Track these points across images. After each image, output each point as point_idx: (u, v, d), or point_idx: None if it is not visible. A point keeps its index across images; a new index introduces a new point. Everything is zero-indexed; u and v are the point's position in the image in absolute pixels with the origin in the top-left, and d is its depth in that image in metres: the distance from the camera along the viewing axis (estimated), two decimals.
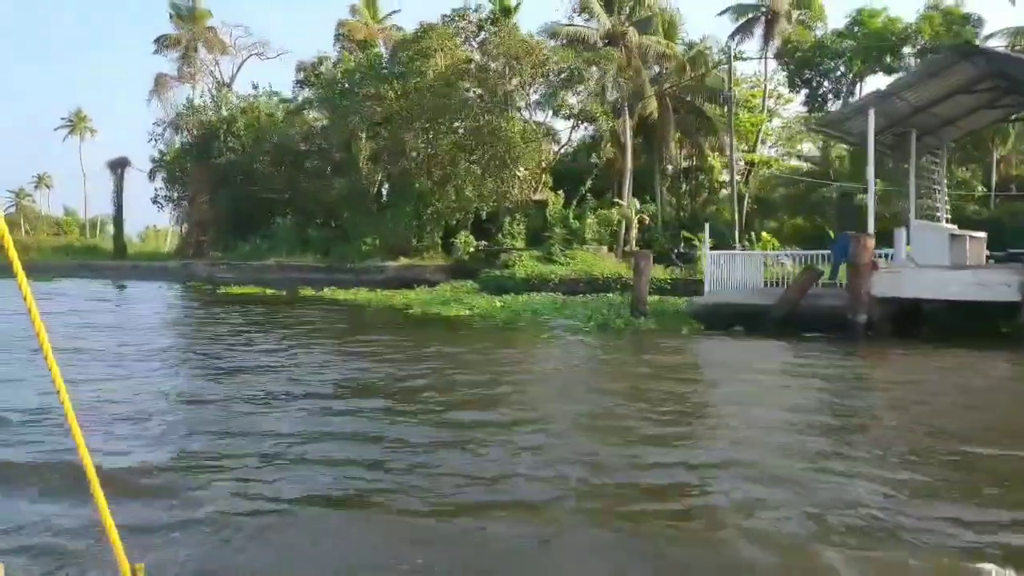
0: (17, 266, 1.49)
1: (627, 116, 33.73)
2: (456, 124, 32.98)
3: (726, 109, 36.46)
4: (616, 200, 32.90)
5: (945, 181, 17.70)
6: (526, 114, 33.98)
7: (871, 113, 13.07)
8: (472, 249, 31.12)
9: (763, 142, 41.21)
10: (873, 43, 34.50)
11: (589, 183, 33.12)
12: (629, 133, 34.02)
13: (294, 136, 38.22)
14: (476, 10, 33.41)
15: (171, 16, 48.95)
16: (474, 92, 32.71)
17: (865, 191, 31.35)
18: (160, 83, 47.24)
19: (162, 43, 48.61)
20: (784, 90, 41.13)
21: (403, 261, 31.38)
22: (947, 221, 17.06)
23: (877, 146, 14.18)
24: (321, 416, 7.12)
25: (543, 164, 33.63)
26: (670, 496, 4.87)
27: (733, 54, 31.77)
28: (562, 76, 31.41)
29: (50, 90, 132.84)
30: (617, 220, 32.01)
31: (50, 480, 5.05)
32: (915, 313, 13.69)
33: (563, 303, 19.13)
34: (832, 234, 21.55)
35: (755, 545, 3.96)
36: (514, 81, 31.92)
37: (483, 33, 33.09)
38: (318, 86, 37.49)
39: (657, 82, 36.38)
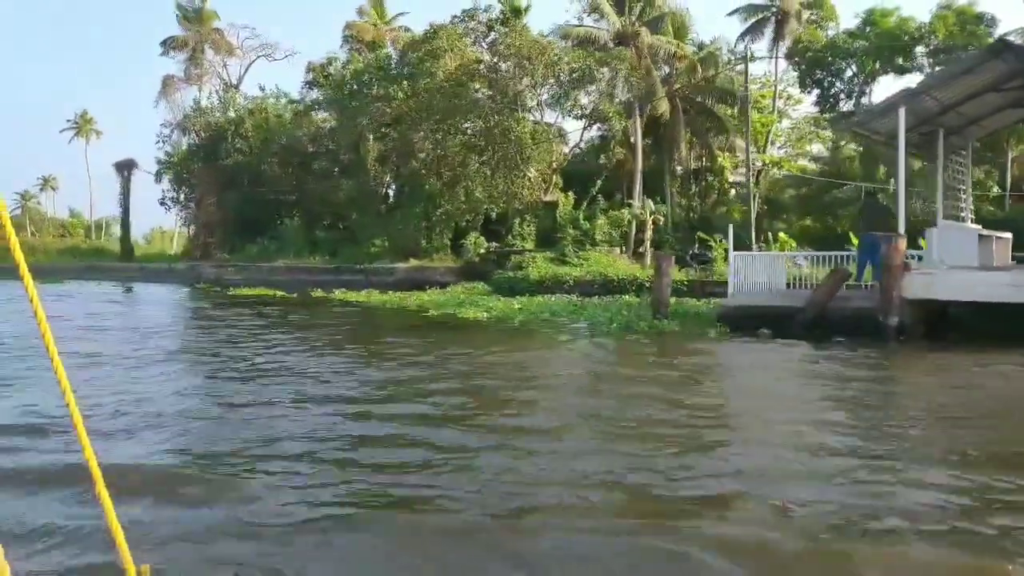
0: (23, 268, 1.47)
1: (638, 117, 33.51)
2: (466, 125, 32.77)
3: (737, 110, 36.38)
4: (628, 201, 32.66)
5: (970, 181, 17.43)
6: (537, 115, 33.78)
7: (902, 111, 12.81)
8: (483, 251, 30.89)
9: (772, 143, 40.98)
10: (886, 43, 34.24)
11: (599, 184, 32.88)
12: (640, 134, 33.79)
13: (302, 137, 38.03)
14: (486, 10, 33.25)
15: (178, 18, 48.87)
16: (484, 93, 32.49)
17: (881, 191, 31.22)
18: (167, 85, 47.12)
19: (169, 45, 48.54)
20: (794, 91, 40.93)
21: (412, 263, 31.14)
22: (972, 222, 16.81)
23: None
24: (352, 420, 6.90)
25: (554, 165, 33.39)
26: (719, 504, 4.69)
27: (749, 54, 31.53)
28: (574, 76, 31.17)
29: (55, 92, 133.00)
30: (628, 221, 31.76)
31: (58, 481, 4.95)
32: (942, 316, 13.43)
33: (580, 305, 18.86)
34: (851, 235, 21.25)
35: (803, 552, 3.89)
36: (525, 81, 31.70)
37: (493, 33, 32.88)
38: (327, 87, 37.30)
39: (667, 82, 36.17)
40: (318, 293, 25.67)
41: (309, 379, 9.05)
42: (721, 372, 10.77)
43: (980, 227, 15.91)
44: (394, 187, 36.83)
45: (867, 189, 31.95)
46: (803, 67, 37.78)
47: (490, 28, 33.10)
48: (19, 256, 1.46)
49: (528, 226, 31.74)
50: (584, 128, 35.13)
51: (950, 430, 6.63)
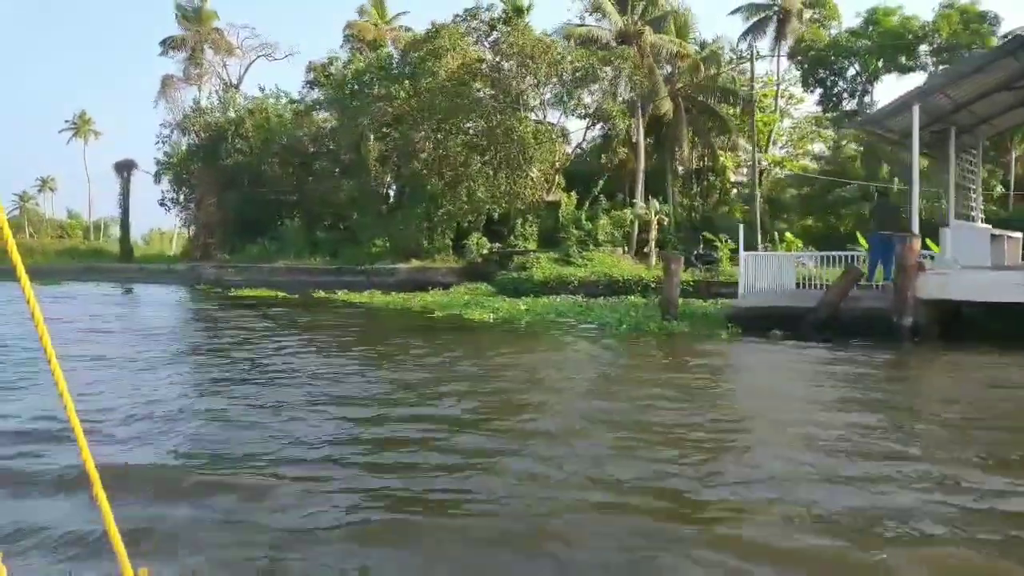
0: (20, 270, 1.44)
1: (640, 116, 33.38)
2: (468, 124, 32.60)
3: (739, 109, 36.26)
4: (632, 200, 32.50)
5: (981, 180, 17.30)
6: (539, 114, 33.62)
7: (915, 109, 12.67)
8: (485, 251, 30.71)
9: (774, 143, 40.87)
10: (889, 42, 34.14)
11: (601, 184, 32.73)
12: (642, 133, 33.65)
13: (303, 137, 37.84)
14: (488, 9, 33.08)
15: (177, 17, 48.64)
16: (486, 92, 32.33)
17: (888, 191, 31.08)
18: (167, 85, 46.89)
19: (168, 45, 48.30)
20: (796, 90, 40.81)
21: (414, 263, 30.96)
22: (982, 221, 16.68)
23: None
24: (367, 424, 6.74)
25: (556, 165, 33.24)
26: (752, 509, 4.57)
27: (754, 52, 31.40)
28: (577, 75, 31.02)
29: (54, 92, 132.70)
30: (630, 221, 31.61)
31: (58, 484, 4.88)
32: (956, 316, 13.30)
33: (587, 306, 18.71)
34: (858, 235, 21.13)
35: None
36: (527, 80, 31.54)
37: (495, 33, 32.73)
38: (328, 87, 37.12)
39: (670, 82, 36.04)
40: (320, 294, 25.50)
41: (321, 381, 8.90)
42: (737, 374, 10.62)
43: (991, 227, 15.77)
44: (395, 187, 36.64)
45: (878, 189, 31.83)
46: (805, 66, 37.67)
47: (492, 27, 32.95)
48: (16, 258, 1.42)
49: (530, 226, 31.57)
50: (587, 128, 35.01)
51: (972, 431, 6.50)
